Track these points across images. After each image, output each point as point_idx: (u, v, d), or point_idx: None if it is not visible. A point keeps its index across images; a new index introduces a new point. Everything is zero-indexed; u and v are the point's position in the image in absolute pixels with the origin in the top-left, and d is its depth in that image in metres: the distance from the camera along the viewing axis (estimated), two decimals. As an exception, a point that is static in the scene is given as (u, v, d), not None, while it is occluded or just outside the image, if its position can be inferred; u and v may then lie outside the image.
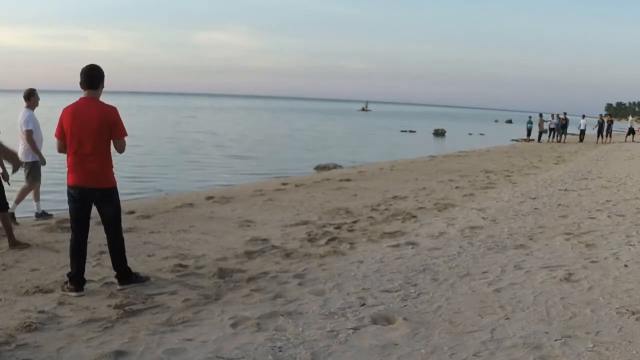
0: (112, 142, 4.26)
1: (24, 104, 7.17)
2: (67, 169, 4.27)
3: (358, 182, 11.50)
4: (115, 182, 4.34)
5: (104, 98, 4.34)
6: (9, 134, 5.94)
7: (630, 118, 34.66)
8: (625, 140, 29.68)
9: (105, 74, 4.28)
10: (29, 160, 7.07)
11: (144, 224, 6.85)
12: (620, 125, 48.43)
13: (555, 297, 4.29)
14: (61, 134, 4.24)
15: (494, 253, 5.66)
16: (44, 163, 7.21)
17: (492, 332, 3.61)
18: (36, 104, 7.21)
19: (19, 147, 6.94)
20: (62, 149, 4.30)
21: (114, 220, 4.39)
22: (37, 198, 7.44)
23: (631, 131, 30.99)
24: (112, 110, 4.22)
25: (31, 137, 6.98)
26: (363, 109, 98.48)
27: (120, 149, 4.32)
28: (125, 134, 4.31)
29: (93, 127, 4.11)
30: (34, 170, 7.18)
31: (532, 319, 3.83)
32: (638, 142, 28.78)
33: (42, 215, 7.44)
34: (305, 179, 12.15)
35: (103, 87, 4.29)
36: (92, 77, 4.20)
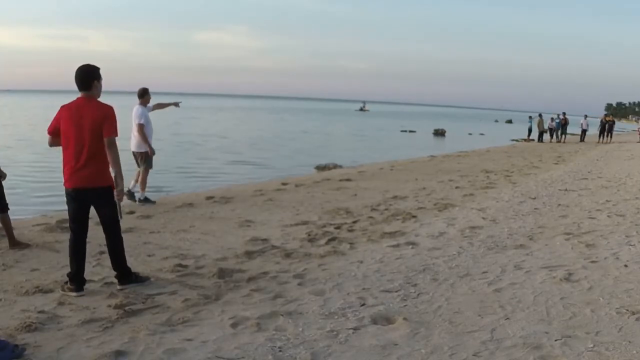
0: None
1: (137, 101, 8.19)
2: (63, 169, 4.26)
3: (358, 182, 11.50)
4: (112, 182, 4.33)
5: (104, 98, 4.34)
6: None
7: None
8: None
9: (99, 71, 4.25)
10: (142, 150, 8.14)
11: (144, 224, 6.85)
12: (621, 125, 48.40)
13: (555, 297, 4.29)
14: (54, 130, 4.26)
15: (494, 253, 5.67)
16: (153, 153, 8.23)
17: (492, 332, 3.61)
18: (148, 101, 8.26)
19: (133, 139, 8.14)
20: (53, 143, 4.34)
21: (113, 220, 4.39)
22: (142, 186, 8.32)
23: None
24: (107, 109, 4.20)
25: (142, 130, 8.03)
26: (361, 109, 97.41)
27: (108, 145, 4.15)
28: (116, 134, 4.20)
29: (88, 127, 4.11)
30: (147, 160, 8.20)
31: (532, 319, 3.84)
32: None
33: (145, 201, 8.32)
34: (305, 179, 12.15)
35: (100, 85, 4.26)
36: (82, 79, 4.18)
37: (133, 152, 8.27)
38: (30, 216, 7.48)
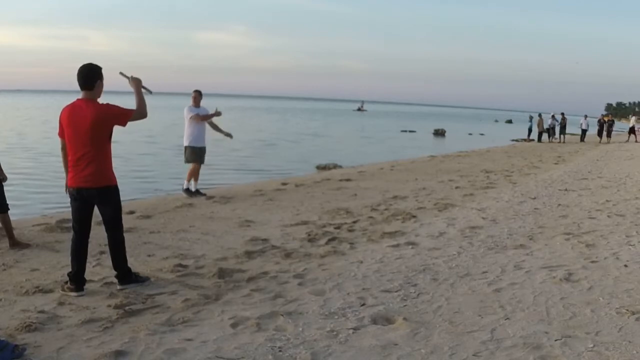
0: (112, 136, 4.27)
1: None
2: (67, 169, 4.28)
3: (358, 182, 11.50)
4: (114, 182, 4.33)
5: (103, 98, 4.33)
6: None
7: (632, 117, 34.54)
8: (627, 140, 29.56)
9: (102, 71, 4.24)
10: (201, 145, 9.01)
11: (144, 224, 6.85)
12: (621, 125, 48.40)
13: (555, 297, 4.29)
14: (62, 134, 4.30)
15: (494, 253, 5.67)
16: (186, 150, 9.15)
17: (492, 332, 3.62)
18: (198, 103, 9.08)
19: (193, 134, 8.94)
20: (63, 147, 4.34)
21: (114, 220, 4.39)
22: (195, 179, 9.23)
23: (631, 130, 30.97)
24: (106, 107, 4.18)
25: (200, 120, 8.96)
26: (359, 109, 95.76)
27: (135, 117, 4.25)
28: (130, 114, 4.22)
29: (87, 129, 4.10)
30: (191, 154, 9.02)
31: (532, 319, 3.84)
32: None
33: (196, 193, 9.16)
34: (305, 179, 12.15)
35: (101, 85, 4.23)
36: (86, 77, 4.17)
37: (194, 148, 8.99)
38: (30, 216, 7.48)
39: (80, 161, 4.16)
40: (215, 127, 9.37)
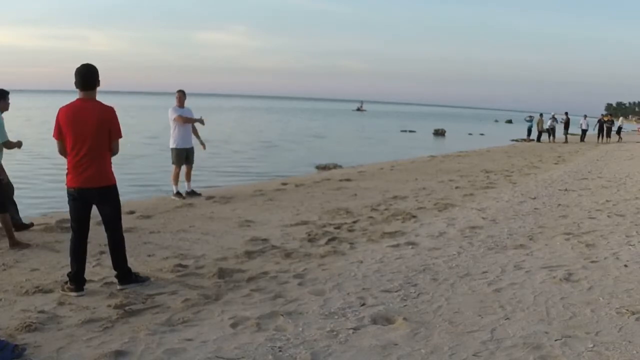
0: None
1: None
2: (66, 169, 4.27)
3: (358, 182, 11.50)
4: (114, 181, 4.35)
5: (102, 97, 4.34)
6: None
7: (620, 118, 34.98)
8: (617, 141, 29.74)
9: (99, 72, 4.25)
10: (187, 146, 8.97)
11: (144, 224, 6.85)
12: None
13: (555, 297, 4.29)
14: (59, 135, 4.25)
15: (494, 253, 5.67)
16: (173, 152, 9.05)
17: (492, 332, 3.62)
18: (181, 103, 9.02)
19: (178, 136, 8.86)
20: (62, 149, 4.31)
21: (114, 219, 4.40)
22: (188, 179, 9.20)
23: (619, 131, 31.34)
24: (111, 111, 4.23)
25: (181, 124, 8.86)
26: (358, 109, 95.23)
27: (115, 149, 4.34)
28: (120, 136, 4.33)
29: (92, 128, 4.11)
30: (188, 155, 9.03)
31: (532, 319, 3.84)
32: (637, 142, 28.76)
33: (191, 193, 9.17)
34: (305, 179, 12.15)
35: (99, 85, 4.26)
36: (87, 77, 4.17)
37: (179, 150, 8.92)
38: (30, 216, 7.47)
39: (82, 161, 4.16)
40: (195, 133, 9.30)
